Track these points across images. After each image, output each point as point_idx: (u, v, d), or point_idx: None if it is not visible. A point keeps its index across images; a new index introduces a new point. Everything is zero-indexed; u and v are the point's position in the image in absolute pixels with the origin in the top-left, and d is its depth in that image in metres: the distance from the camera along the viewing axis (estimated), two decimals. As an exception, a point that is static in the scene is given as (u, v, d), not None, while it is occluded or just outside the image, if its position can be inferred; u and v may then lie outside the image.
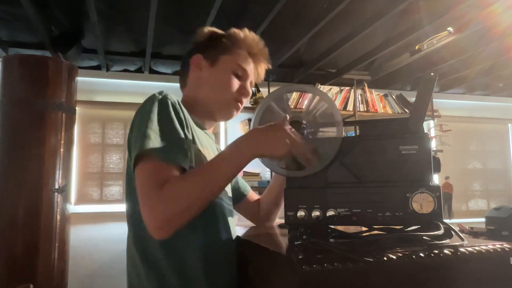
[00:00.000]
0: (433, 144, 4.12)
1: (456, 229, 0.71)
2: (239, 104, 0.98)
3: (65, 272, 2.57)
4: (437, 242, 0.67)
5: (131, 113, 0.83)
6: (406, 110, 3.84)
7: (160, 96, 0.81)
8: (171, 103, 0.81)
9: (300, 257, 0.60)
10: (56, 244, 2.47)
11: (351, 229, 0.81)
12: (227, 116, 0.99)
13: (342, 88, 3.74)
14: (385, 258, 0.61)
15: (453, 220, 3.89)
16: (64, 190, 2.53)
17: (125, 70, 3.46)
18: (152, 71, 3.45)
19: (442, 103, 4.23)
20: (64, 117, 2.56)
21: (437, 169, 0.75)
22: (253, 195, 1.15)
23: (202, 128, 0.96)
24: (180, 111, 0.82)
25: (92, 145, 3.38)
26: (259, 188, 3.23)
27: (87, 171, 3.35)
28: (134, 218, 0.81)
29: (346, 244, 0.66)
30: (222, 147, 3.79)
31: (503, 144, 4.54)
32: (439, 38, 2.78)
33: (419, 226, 0.71)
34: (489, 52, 3.17)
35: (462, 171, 4.33)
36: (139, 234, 0.80)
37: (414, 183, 0.72)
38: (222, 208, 0.89)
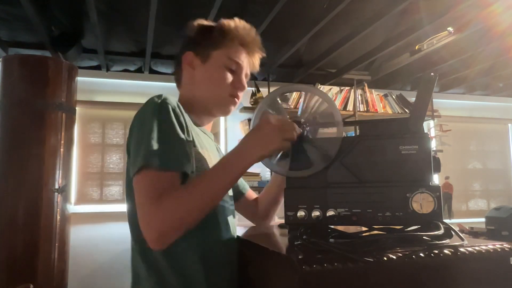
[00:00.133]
0: (433, 144, 4.12)
1: (456, 229, 0.72)
2: (236, 99, 0.96)
3: (65, 272, 2.57)
4: (437, 242, 0.67)
5: (131, 113, 0.82)
6: (406, 110, 3.84)
7: (159, 101, 0.80)
8: (171, 108, 0.80)
9: (300, 257, 0.60)
10: (56, 244, 2.47)
11: (351, 229, 0.81)
12: (225, 113, 0.97)
13: (342, 88, 3.74)
14: (385, 258, 0.61)
15: (453, 220, 3.89)
16: (64, 190, 2.53)
17: (125, 70, 3.46)
18: (152, 71, 3.45)
19: (442, 103, 4.23)
20: (64, 117, 2.56)
21: (437, 169, 0.75)
22: (252, 194, 1.15)
23: (201, 128, 0.96)
24: (180, 114, 0.81)
25: (92, 145, 3.38)
26: (259, 188, 3.23)
27: (87, 171, 3.35)
28: (134, 220, 0.81)
29: (346, 244, 0.66)
30: (222, 147, 3.75)
31: (503, 144, 4.54)
32: (439, 38, 2.78)
33: (419, 226, 0.71)
34: (489, 52, 3.17)
35: (462, 171, 4.33)
36: (139, 235, 0.80)
37: (414, 183, 0.72)
38: (223, 207, 0.89)
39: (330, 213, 0.75)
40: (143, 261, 0.80)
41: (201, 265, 0.79)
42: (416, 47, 2.99)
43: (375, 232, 0.73)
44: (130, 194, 0.82)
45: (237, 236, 0.94)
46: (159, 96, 0.81)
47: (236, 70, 0.94)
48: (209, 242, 0.82)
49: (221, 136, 3.64)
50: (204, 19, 1.00)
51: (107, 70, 3.40)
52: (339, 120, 0.80)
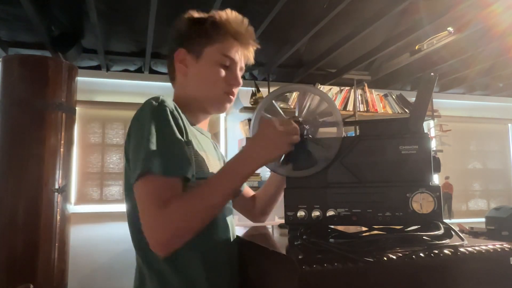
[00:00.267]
0: (433, 144, 4.12)
1: (456, 229, 0.72)
2: (231, 96, 0.94)
3: (65, 272, 2.57)
4: (437, 242, 0.67)
5: (131, 113, 0.81)
6: (406, 110, 3.84)
7: (157, 104, 0.78)
8: (169, 110, 0.78)
9: (300, 257, 0.60)
10: (56, 244, 2.47)
11: (351, 229, 0.81)
12: (220, 110, 0.96)
13: (342, 88, 3.74)
14: (385, 258, 0.61)
15: (453, 220, 3.89)
16: (64, 190, 2.53)
17: (125, 70, 3.46)
18: (152, 71, 3.46)
19: (442, 103, 4.23)
20: (64, 117, 2.56)
21: (437, 169, 0.75)
22: (249, 191, 1.14)
23: (198, 128, 0.95)
24: (178, 117, 0.80)
25: (92, 145, 3.38)
26: (259, 188, 3.23)
27: (87, 171, 3.35)
28: (134, 222, 0.81)
29: (346, 244, 0.66)
30: (222, 147, 3.74)
31: (503, 144, 4.54)
32: (439, 38, 2.78)
33: (419, 226, 0.71)
34: (489, 52, 3.17)
35: (462, 171, 4.33)
36: (140, 238, 0.79)
37: (414, 183, 0.72)
38: (223, 208, 0.89)
39: (330, 213, 0.75)
40: (144, 262, 0.80)
41: (202, 266, 0.79)
42: (416, 47, 2.99)
43: (375, 232, 0.73)
44: (129, 197, 0.81)
45: (238, 236, 0.94)
46: (156, 99, 0.80)
47: (230, 66, 0.92)
48: (209, 243, 0.82)
49: (221, 136, 3.64)
50: (195, 10, 0.96)
51: (107, 70, 3.40)
52: (339, 120, 0.80)
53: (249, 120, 3.42)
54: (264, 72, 3.54)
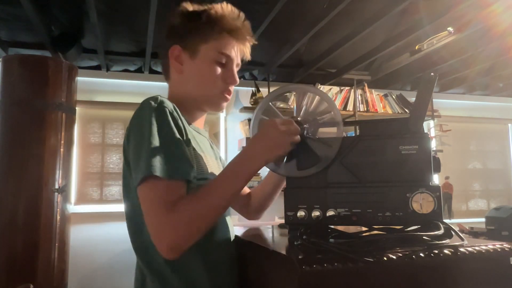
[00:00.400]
0: (433, 144, 4.12)
1: (456, 229, 0.72)
2: (227, 95, 0.92)
3: (65, 272, 2.57)
4: (437, 242, 0.67)
5: (131, 113, 0.80)
6: (406, 110, 3.84)
7: (156, 105, 0.77)
8: (169, 112, 0.78)
9: (300, 257, 0.60)
10: (56, 244, 2.47)
11: (351, 229, 0.81)
12: (217, 109, 0.94)
13: (342, 88, 3.74)
14: (385, 258, 0.61)
15: (453, 220, 3.89)
16: (64, 190, 2.53)
17: (125, 70, 3.46)
18: (152, 71, 3.45)
19: (442, 103, 4.23)
20: (64, 117, 2.56)
21: (437, 169, 0.75)
22: (245, 188, 1.13)
23: (195, 128, 0.94)
24: (178, 118, 0.80)
25: (92, 145, 3.38)
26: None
27: (87, 171, 3.35)
28: (133, 224, 0.81)
29: (346, 244, 0.66)
30: (222, 147, 3.73)
31: (503, 144, 4.54)
32: (439, 38, 2.78)
33: (419, 226, 0.71)
34: (489, 52, 3.17)
35: (462, 171, 4.33)
36: (140, 238, 0.79)
37: (414, 183, 0.72)
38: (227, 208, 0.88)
39: (330, 213, 0.75)
40: (144, 263, 0.80)
41: (203, 266, 0.79)
42: (416, 47, 2.99)
43: (375, 232, 0.73)
44: (128, 198, 0.81)
45: (238, 236, 0.94)
46: (155, 99, 0.79)
47: (226, 63, 0.90)
48: (209, 243, 0.82)
49: (221, 136, 3.64)
50: (190, 2, 0.93)
51: (107, 70, 3.40)
52: (339, 120, 0.80)
53: (249, 120, 3.42)
54: (264, 72, 3.54)
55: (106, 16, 2.54)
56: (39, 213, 2.39)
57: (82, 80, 3.09)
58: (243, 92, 3.64)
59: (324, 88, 3.69)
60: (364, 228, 0.76)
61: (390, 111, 3.83)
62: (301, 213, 0.76)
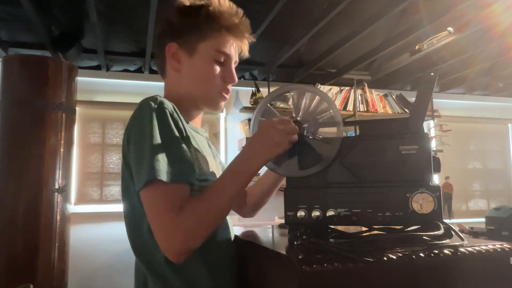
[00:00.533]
0: (433, 144, 4.12)
1: (456, 229, 0.72)
2: (226, 94, 0.91)
3: (65, 272, 2.57)
4: (437, 242, 0.67)
5: (131, 113, 0.79)
6: (406, 110, 3.84)
7: (156, 106, 0.76)
8: (169, 113, 0.77)
9: (300, 257, 0.60)
10: (56, 244, 2.46)
11: (351, 229, 0.81)
12: (215, 108, 0.93)
13: (342, 88, 3.74)
14: (385, 258, 0.61)
15: (453, 220, 3.89)
16: (64, 190, 2.53)
17: (125, 70, 3.46)
18: (152, 71, 3.45)
19: (442, 103, 4.23)
20: (64, 117, 2.56)
21: (437, 169, 0.75)
22: None
23: (193, 127, 0.93)
24: (178, 119, 0.79)
25: (92, 145, 3.38)
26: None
27: (87, 171, 3.35)
28: (132, 225, 0.81)
29: (346, 244, 0.66)
30: (222, 147, 3.72)
31: (503, 144, 4.54)
32: (439, 38, 2.78)
33: (419, 226, 0.71)
34: (489, 52, 3.17)
35: (462, 171, 4.33)
36: (139, 239, 0.79)
37: (414, 183, 0.72)
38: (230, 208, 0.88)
39: (330, 213, 0.75)
40: (144, 264, 0.79)
41: (203, 266, 0.79)
42: (416, 47, 2.99)
43: (375, 232, 0.73)
44: (127, 199, 0.81)
45: (238, 236, 0.94)
46: (155, 99, 0.77)
47: (225, 62, 0.88)
48: (209, 243, 0.82)
49: (221, 136, 3.64)
50: None
51: (107, 70, 3.41)
52: (339, 120, 0.80)
53: (249, 120, 3.42)
54: (264, 72, 3.54)
55: (106, 16, 2.54)
56: (39, 213, 2.39)
57: (82, 80, 3.09)
58: (243, 92, 3.64)
59: (324, 88, 3.69)
60: (364, 228, 0.75)
61: (390, 111, 3.83)
62: (301, 213, 0.76)
